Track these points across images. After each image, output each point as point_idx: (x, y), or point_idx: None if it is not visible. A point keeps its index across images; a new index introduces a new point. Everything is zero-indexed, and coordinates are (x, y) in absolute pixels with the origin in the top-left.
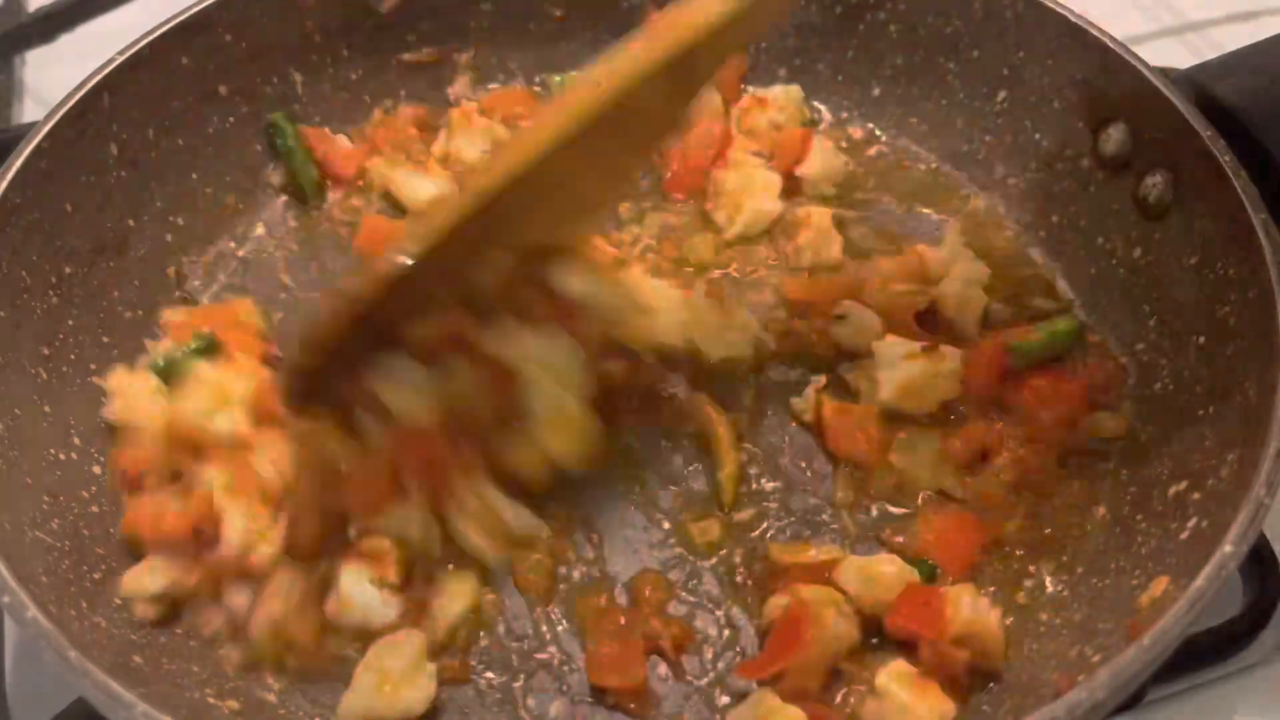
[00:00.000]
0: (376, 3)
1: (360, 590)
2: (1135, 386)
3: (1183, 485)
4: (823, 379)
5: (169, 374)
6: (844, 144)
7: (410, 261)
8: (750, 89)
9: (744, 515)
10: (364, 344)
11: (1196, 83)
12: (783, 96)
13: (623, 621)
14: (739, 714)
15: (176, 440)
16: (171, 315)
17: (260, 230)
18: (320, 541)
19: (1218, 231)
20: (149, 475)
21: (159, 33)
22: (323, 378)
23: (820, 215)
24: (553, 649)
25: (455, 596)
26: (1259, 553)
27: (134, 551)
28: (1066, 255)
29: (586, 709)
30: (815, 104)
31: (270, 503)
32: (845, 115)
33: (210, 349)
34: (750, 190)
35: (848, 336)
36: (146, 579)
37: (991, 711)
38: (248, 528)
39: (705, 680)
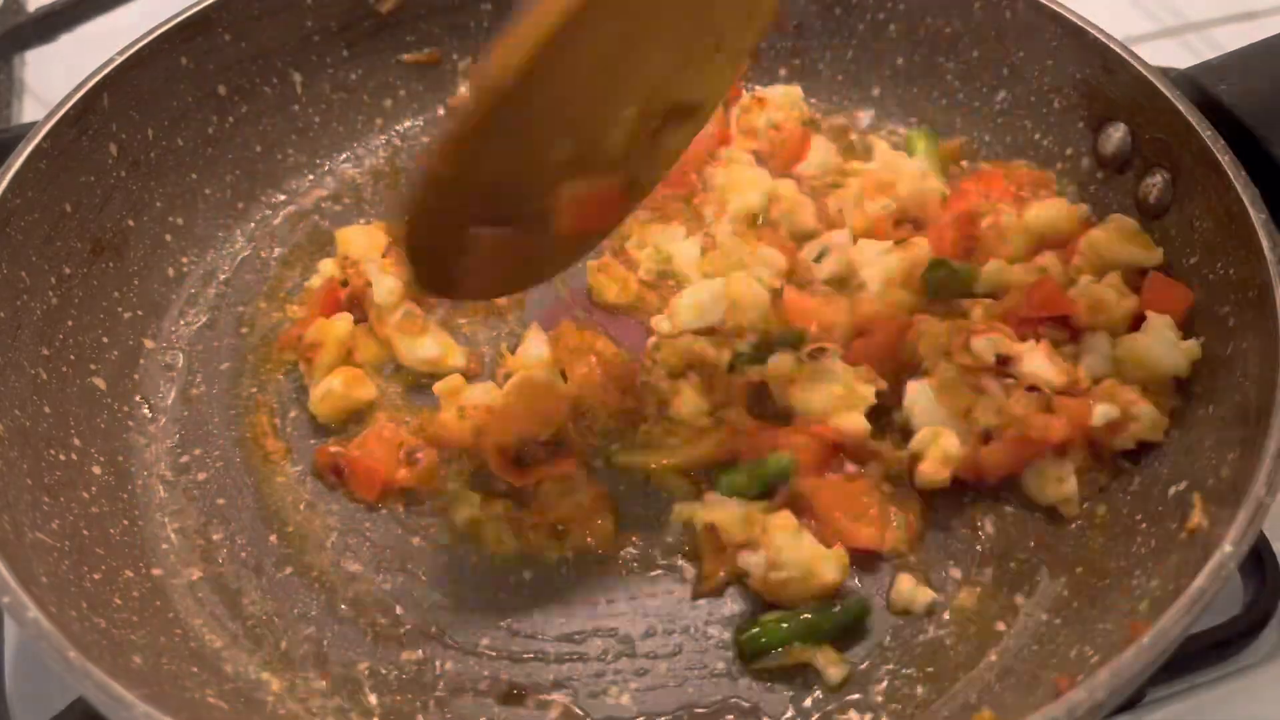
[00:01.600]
0: (376, 2)
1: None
2: None
3: (1183, 485)
4: None
5: None
6: (844, 144)
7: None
8: (750, 88)
9: None
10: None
11: (1196, 83)
12: (782, 96)
13: None
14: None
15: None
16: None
17: (259, 231)
18: None
19: (1218, 231)
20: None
21: (159, 33)
22: (444, 249)
23: (787, 185)
24: None
25: None
26: (1259, 553)
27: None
28: None
29: None
30: (815, 104)
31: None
32: (845, 116)
33: None
34: (736, 187)
35: (831, 269)
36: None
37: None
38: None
39: None
